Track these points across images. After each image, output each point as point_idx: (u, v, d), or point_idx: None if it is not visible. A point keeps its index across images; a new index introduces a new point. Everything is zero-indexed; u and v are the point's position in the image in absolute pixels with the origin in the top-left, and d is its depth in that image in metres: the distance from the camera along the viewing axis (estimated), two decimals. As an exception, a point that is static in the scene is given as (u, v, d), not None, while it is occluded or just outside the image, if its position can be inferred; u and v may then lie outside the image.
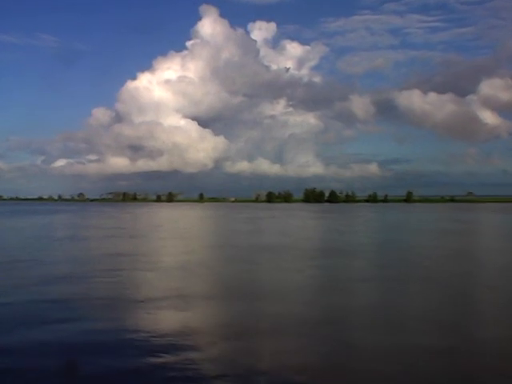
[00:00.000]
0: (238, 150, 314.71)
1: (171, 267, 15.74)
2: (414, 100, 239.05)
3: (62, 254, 20.01)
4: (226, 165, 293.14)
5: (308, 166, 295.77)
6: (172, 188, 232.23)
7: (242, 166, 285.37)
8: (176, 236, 26.01)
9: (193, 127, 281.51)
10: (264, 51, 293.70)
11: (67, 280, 13.28)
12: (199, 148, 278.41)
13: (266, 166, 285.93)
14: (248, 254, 19.48)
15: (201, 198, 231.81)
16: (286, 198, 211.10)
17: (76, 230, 36.94)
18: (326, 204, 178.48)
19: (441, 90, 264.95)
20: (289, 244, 22.88)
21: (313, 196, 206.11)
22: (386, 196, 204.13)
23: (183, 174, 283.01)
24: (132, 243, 23.22)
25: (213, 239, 26.35)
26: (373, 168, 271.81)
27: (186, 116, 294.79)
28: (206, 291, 12.19)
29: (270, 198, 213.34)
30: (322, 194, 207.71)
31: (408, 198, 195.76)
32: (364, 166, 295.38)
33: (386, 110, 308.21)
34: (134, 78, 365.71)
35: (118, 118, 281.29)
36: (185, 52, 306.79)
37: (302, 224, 41.42)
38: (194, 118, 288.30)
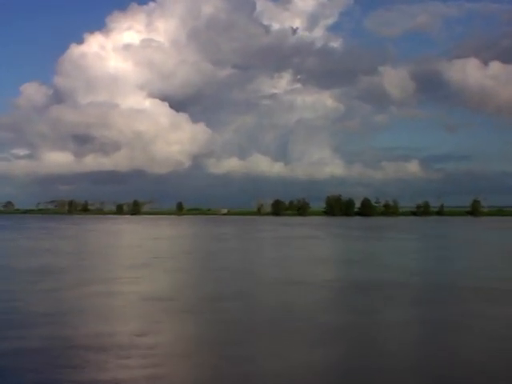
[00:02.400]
0: (225, 143, 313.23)
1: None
2: (471, 73, 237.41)
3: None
4: (209, 163, 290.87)
5: (323, 164, 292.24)
6: (135, 195, 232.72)
7: (232, 165, 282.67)
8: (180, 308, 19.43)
9: (162, 111, 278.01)
10: (262, 5, 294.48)
11: None
12: (171, 140, 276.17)
13: (264, 165, 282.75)
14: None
15: (179, 209, 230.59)
16: (301, 209, 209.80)
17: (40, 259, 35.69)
18: (358, 218, 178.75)
19: (508, 58, 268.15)
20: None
21: (338, 206, 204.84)
22: (442, 206, 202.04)
23: (149, 175, 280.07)
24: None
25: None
26: (413, 167, 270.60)
27: (152, 95, 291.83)
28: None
29: (278, 208, 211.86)
30: (351, 203, 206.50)
31: (474, 210, 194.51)
32: (401, 165, 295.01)
33: (432, 87, 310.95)
34: (79, 41, 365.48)
35: (58, 98, 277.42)
36: (151, 5, 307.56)
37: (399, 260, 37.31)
38: (163, 98, 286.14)
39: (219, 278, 25.39)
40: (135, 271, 27.39)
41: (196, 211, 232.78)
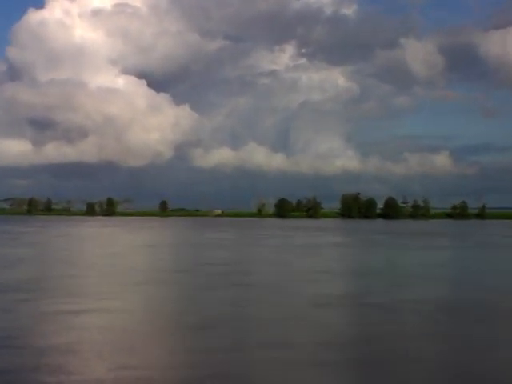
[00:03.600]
0: (214, 130, 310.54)
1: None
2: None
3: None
4: (196, 154, 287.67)
5: (333, 156, 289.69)
6: (107, 192, 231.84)
7: (223, 157, 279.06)
8: None
9: (139, 90, 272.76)
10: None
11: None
12: (150, 126, 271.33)
13: (262, 157, 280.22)
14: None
15: (163, 210, 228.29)
16: (312, 209, 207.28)
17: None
18: (382, 221, 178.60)
19: None
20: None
21: (356, 207, 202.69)
22: (484, 208, 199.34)
23: (123, 169, 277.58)
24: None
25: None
26: (442, 160, 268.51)
27: (127, 71, 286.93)
28: None
29: (283, 209, 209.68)
30: (372, 203, 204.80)
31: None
32: (427, 157, 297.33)
33: (465, 64, 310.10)
34: (38, 4, 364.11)
35: (12, 74, 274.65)
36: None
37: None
38: (140, 76, 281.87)
39: (258, 319, 21.37)
40: (110, 301, 24.02)
41: (182, 212, 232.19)
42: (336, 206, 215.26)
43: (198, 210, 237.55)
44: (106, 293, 26.12)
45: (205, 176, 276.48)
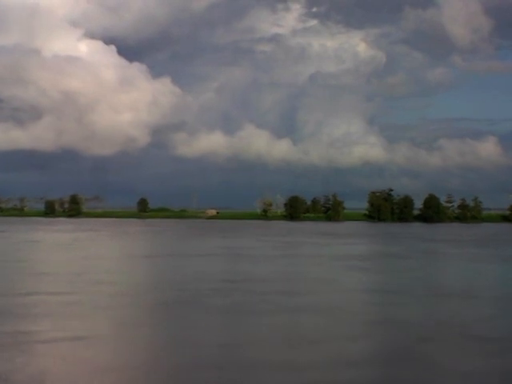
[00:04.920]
0: (202, 109, 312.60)
1: None
2: None
3: None
4: (179, 140, 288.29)
5: (351, 143, 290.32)
6: (69, 187, 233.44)
7: (213, 143, 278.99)
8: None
9: (107, 59, 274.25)
10: None
11: None
12: (121, 104, 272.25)
13: (262, 143, 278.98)
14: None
15: (142, 209, 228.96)
16: (333, 210, 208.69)
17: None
18: (423, 225, 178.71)
19: None
20: None
21: (388, 207, 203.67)
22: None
23: (88, 158, 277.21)
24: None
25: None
26: (489, 147, 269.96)
27: (92, 35, 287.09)
28: None
29: (296, 210, 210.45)
30: (408, 202, 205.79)
31: None
32: (469, 145, 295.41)
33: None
34: None
35: None
36: None
37: None
38: (109, 41, 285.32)
39: None
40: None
41: (167, 212, 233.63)
42: (356, 205, 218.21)
43: (184, 210, 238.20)
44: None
45: (191, 168, 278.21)
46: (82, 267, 49.54)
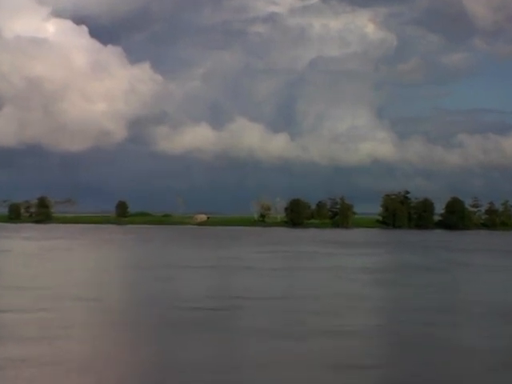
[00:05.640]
0: (187, 99, 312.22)
1: None
2: None
3: None
4: (159, 134, 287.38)
5: (357, 138, 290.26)
6: (34, 189, 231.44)
7: (199, 138, 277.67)
8: None
9: (78, 41, 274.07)
10: None
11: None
12: (93, 93, 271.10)
13: (255, 139, 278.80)
14: None
15: (121, 215, 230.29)
16: (341, 215, 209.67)
17: None
18: (445, 232, 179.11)
19: None
20: None
21: (405, 212, 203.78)
22: None
23: (55, 154, 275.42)
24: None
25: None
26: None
27: (60, 14, 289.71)
28: None
29: (299, 215, 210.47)
30: (428, 207, 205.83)
31: None
32: (494, 139, 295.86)
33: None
34: None
35: None
36: None
37: None
38: (80, 20, 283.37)
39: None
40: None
41: (149, 218, 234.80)
42: (365, 209, 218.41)
43: (168, 215, 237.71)
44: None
45: (174, 166, 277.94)
46: (55, 281, 49.61)
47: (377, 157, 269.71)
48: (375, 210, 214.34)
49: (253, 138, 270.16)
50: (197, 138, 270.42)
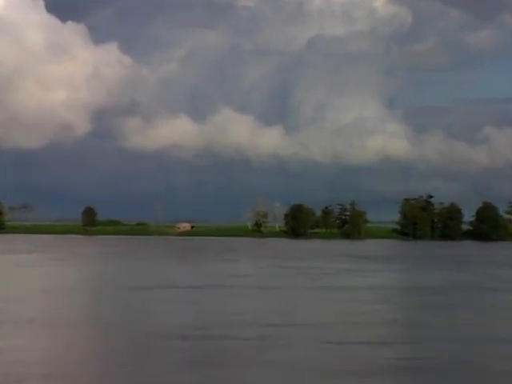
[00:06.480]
0: (162, 86, 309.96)
1: None
2: None
3: None
4: (130, 127, 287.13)
5: (365, 131, 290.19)
6: None
7: (177, 132, 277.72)
8: None
9: (33, 18, 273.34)
10: None
11: None
12: (51, 78, 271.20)
13: (243, 132, 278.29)
14: None
15: (88, 223, 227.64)
16: (351, 224, 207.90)
17: None
18: (475, 244, 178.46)
19: None
20: None
21: (427, 220, 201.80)
22: None
23: (7, 152, 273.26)
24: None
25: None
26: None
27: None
28: None
29: (301, 223, 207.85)
30: (454, 214, 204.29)
31: None
32: None
33: None
34: None
35: None
36: None
37: None
38: None
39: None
40: None
41: (122, 227, 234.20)
42: (377, 216, 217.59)
43: (143, 224, 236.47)
44: None
45: (148, 165, 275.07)
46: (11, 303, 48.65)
47: (388, 154, 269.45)
48: (389, 217, 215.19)
49: (241, 132, 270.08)
50: (174, 132, 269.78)
